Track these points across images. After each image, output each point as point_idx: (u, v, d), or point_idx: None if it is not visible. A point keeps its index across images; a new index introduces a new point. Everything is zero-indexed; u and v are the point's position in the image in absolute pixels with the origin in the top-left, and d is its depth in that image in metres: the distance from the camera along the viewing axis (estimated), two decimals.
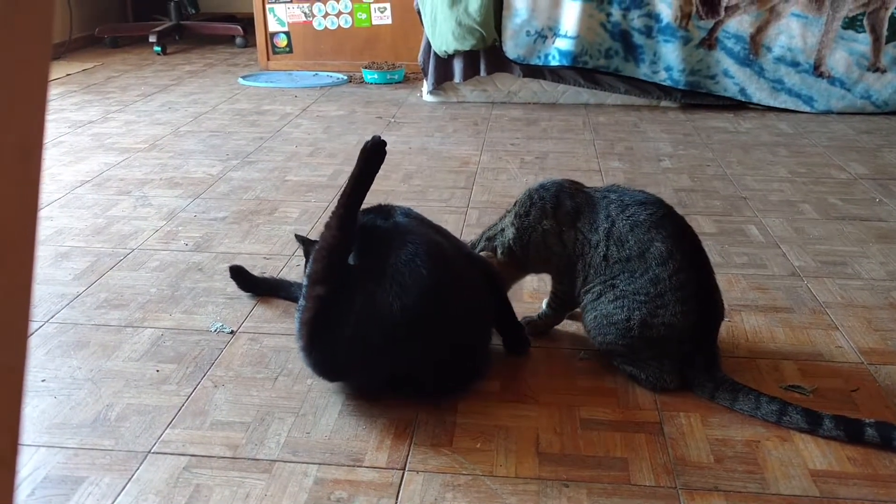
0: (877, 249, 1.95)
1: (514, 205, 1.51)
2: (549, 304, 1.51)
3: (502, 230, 1.50)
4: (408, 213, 1.43)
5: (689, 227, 1.39)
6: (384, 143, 1.33)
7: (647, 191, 1.43)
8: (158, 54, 4.69)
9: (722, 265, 1.84)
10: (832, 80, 3.31)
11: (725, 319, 1.48)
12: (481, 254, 1.52)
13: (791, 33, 3.28)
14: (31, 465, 1.15)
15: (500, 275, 1.48)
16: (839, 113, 3.32)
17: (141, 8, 5.40)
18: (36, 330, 1.54)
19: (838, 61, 3.28)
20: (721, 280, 1.58)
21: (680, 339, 1.31)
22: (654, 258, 1.31)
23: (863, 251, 1.94)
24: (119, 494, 1.10)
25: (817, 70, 3.31)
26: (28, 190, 0.27)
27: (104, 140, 2.91)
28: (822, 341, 1.52)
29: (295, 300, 1.58)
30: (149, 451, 1.19)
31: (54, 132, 3.01)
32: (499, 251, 1.50)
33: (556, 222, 1.41)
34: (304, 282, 1.35)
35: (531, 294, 1.69)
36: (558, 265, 1.43)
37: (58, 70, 4.19)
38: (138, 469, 1.15)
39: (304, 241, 1.55)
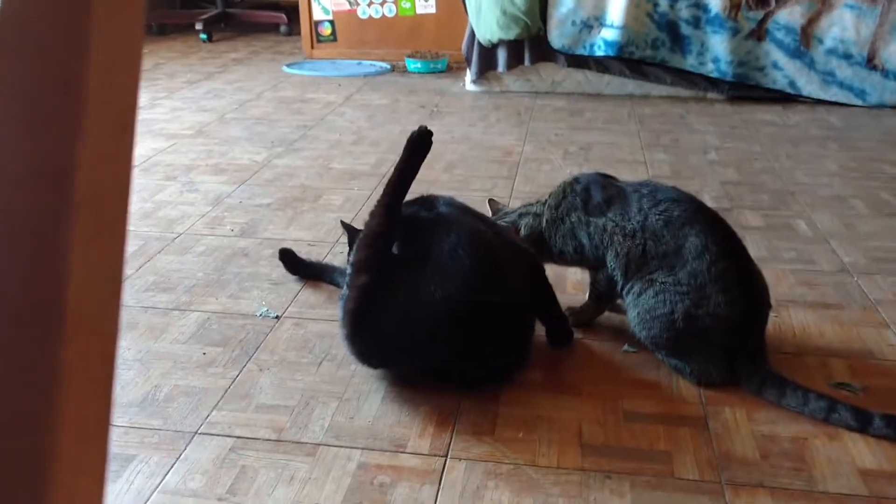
0: None
1: (550, 195, 1.52)
2: (589, 296, 1.51)
3: (537, 214, 1.53)
4: (451, 202, 1.44)
5: (722, 220, 1.39)
6: (430, 134, 1.34)
7: (694, 183, 1.42)
8: (204, 42, 4.75)
9: (769, 260, 1.81)
10: (886, 74, 3.23)
11: (773, 315, 1.46)
12: (503, 222, 1.55)
13: (844, 25, 3.20)
14: None
15: (542, 266, 1.48)
16: (893, 107, 3.24)
17: None
18: None
19: (893, 54, 3.19)
20: (768, 275, 1.56)
21: (727, 329, 1.29)
22: (689, 253, 1.31)
23: None
24: (167, 473, 1.12)
25: (870, 63, 3.22)
26: (124, 164, 0.28)
27: (151, 126, 2.96)
28: (872, 339, 1.49)
29: (340, 286, 1.60)
30: (196, 432, 1.21)
31: None
32: (523, 230, 1.53)
33: (585, 214, 1.44)
34: (348, 270, 1.36)
35: (574, 285, 1.69)
36: (590, 257, 1.44)
37: None
38: (185, 449, 1.17)
39: (349, 228, 1.56)
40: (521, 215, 1.56)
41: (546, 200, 1.53)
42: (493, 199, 1.72)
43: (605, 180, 1.49)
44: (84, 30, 0.26)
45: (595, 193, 1.45)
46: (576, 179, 1.51)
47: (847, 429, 1.22)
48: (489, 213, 1.64)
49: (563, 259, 1.51)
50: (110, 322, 0.28)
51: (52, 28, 0.26)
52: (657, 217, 1.35)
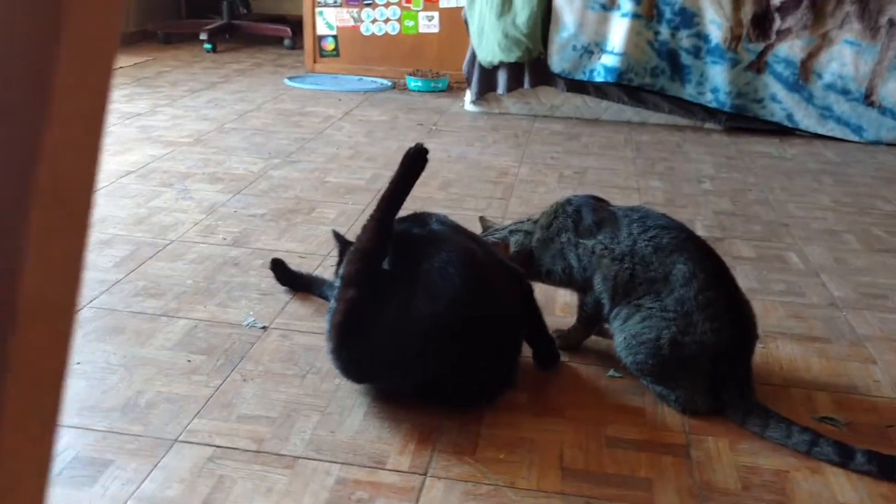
0: None
1: (542, 215, 1.53)
2: (577, 319, 1.51)
3: (527, 232, 1.54)
4: (443, 220, 1.44)
5: (711, 250, 1.40)
6: (426, 151, 1.34)
7: (687, 212, 1.43)
8: (208, 52, 4.77)
9: (759, 291, 1.81)
10: (883, 111, 3.25)
11: (760, 346, 1.47)
12: (493, 238, 1.56)
13: (843, 60, 3.23)
14: (61, 444, 1.17)
15: (532, 287, 1.48)
16: (889, 144, 3.26)
17: (194, 6, 5.49)
18: None
19: (891, 91, 3.22)
20: (758, 306, 1.56)
21: (713, 356, 1.30)
22: (677, 280, 1.32)
23: None
24: (144, 480, 1.11)
25: (868, 99, 3.25)
26: (90, 160, 0.28)
27: (151, 132, 2.96)
28: (858, 374, 1.49)
29: (329, 299, 1.59)
30: (175, 440, 1.20)
31: None
32: (512, 246, 1.54)
33: (575, 235, 1.45)
34: (337, 283, 1.35)
35: (563, 308, 1.68)
36: (578, 278, 1.45)
37: None
38: (164, 456, 1.17)
39: (341, 240, 1.56)
40: (511, 232, 1.57)
41: (537, 219, 1.54)
42: (484, 217, 1.72)
43: (597, 203, 1.50)
44: (56, 20, 0.26)
45: (586, 215, 1.45)
46: (568, 201, 1.52)
47: (829, 463, 1.21)
48: (480, 231, 1.64)
49: (551, 279, 1.51)
50: (66, 317, 0.28)
51: (24, 16, 0.26)
52: (646, 243, 1.36)
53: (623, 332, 1.36)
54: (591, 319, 1.48)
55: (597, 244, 1.41)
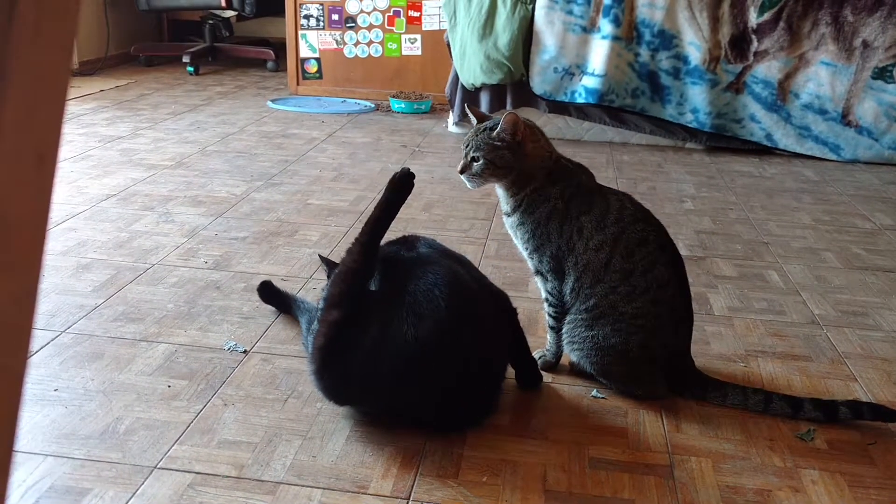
0: None
1: (562, 166, 1.49)
2: (548, 322, 1.50)
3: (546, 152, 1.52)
4: (431, 244, 1.44)
5: (677, 250, 1.44)
6: (413, 176, 1.36)
7: (669, 231, 1.45)
8: (191, 74, 4.77)
9: (741, 310, 1.82)
10: (860, 130, 3.29)
11: (741, 364, 1.51)
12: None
13: (820, 81, 3.27)
14: (36, 473, 1.15)
15: (516, 310, 1.47)
16: (866, 163, 3.30)
17: (176, 29, 5.50)
18: (52, 339, 1.55)
19: (867, 111, 3.27)
20: (739, 325, 1.57)
21: (671, 354, 1.41)
22: (655, 280, 1.37)
23: (885, 303, 1.91)
24: None
25: (845, 119, 3.29)
26: (41, 196, 0.27)
27: (132, 156, 2.95)
28: (839, 392, 1.49)
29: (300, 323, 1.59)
30: (155, 467, 1.19)
31: (84, 145, 3.06)
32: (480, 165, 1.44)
33: (566, 208, 1.42)
34: (320, 304, 1.35)
35: (546, 329, 1.68)
36: (549, 255, 1.43)
37: (91, 86, 4.27)
38: (143, 484, 1.15)
39: (328, 262, 1.56)
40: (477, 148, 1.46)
41: (564, 163, 1.50)
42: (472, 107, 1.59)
43: (592, 183, 1.51)
44: (3, 59, 0.25)
45: (585, 196, 1.44)
46: (583, 170, 1.51)
47: (784, 417, 1.37)
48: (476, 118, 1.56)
49: (523, 216, 1.45)
50: (17, 357, 0.27)
51: None
52: (636, 235, 1.38)
53: (585, 332, 1.41)
54: (561, 310, 1.47)
55: (582, 226, 1.40)
